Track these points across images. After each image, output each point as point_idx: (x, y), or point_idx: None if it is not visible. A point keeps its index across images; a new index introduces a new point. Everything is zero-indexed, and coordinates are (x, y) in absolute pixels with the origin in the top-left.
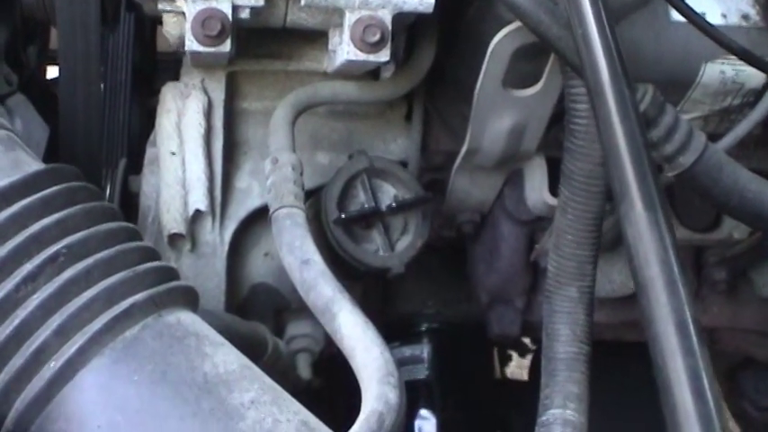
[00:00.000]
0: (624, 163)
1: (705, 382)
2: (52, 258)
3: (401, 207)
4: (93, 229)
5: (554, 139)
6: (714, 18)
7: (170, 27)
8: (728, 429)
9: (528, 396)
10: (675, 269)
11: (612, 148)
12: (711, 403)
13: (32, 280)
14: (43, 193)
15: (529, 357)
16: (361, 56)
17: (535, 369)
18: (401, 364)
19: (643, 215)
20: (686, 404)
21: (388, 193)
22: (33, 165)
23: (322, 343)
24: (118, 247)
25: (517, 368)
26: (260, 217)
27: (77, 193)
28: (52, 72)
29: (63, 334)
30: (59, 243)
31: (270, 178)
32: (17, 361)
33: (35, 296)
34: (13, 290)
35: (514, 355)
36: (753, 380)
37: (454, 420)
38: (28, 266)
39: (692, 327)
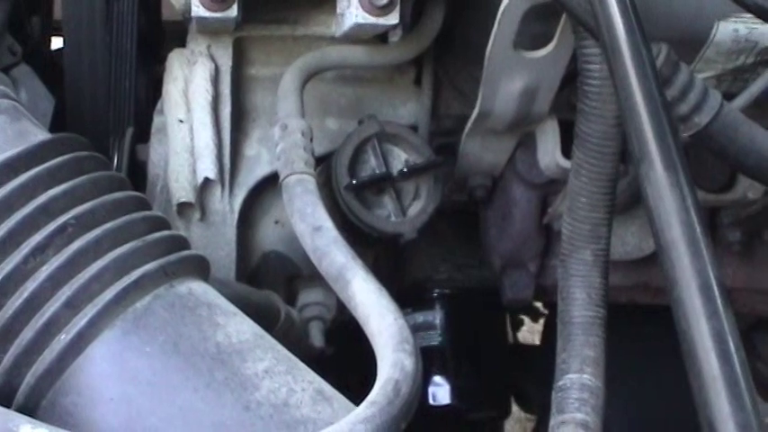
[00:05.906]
0: (643, 123)
1: (731, 344)
2: (60, 229)
3: (412, 172)
4: (101, 199)
5: (566, 100)
6: None
7: None
8: (755, 392)
9: (541, 360)
10: (698, 230)
11: (630, 108)
12: (738, 366)
13: (41, 251)
14: (50, 163)
15: (541, 322)
16: (370, 19)
17: (547, 334)
18: (414, 330)
19: (664, 175)
20: (712, 368)
21: (399, 158)
22: (39, 135)
23: (334, 310)
24: (127, 217)
25: (528, 333)
26: (270, 184)
27: (85, 163)
28: (56, 43)
29: (73, 306)
30: (67, 213)
31: (279, 145)
32: (27, 334)
33: (44, 268)
34: (21, 262)
35: (526, 319)
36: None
37: (467, 386)
38: (36, 238)
39: (716, 289)
